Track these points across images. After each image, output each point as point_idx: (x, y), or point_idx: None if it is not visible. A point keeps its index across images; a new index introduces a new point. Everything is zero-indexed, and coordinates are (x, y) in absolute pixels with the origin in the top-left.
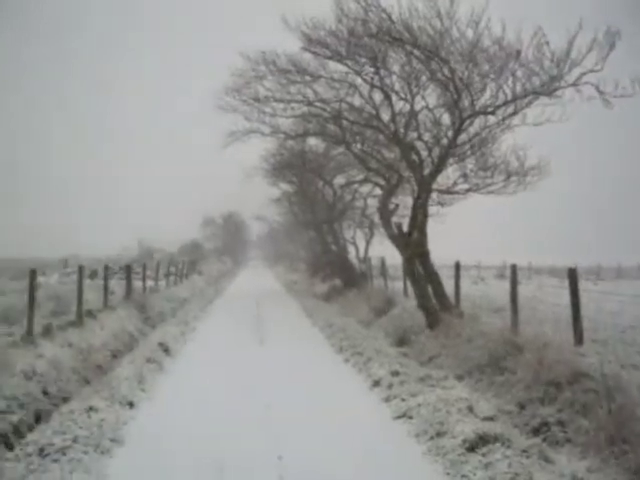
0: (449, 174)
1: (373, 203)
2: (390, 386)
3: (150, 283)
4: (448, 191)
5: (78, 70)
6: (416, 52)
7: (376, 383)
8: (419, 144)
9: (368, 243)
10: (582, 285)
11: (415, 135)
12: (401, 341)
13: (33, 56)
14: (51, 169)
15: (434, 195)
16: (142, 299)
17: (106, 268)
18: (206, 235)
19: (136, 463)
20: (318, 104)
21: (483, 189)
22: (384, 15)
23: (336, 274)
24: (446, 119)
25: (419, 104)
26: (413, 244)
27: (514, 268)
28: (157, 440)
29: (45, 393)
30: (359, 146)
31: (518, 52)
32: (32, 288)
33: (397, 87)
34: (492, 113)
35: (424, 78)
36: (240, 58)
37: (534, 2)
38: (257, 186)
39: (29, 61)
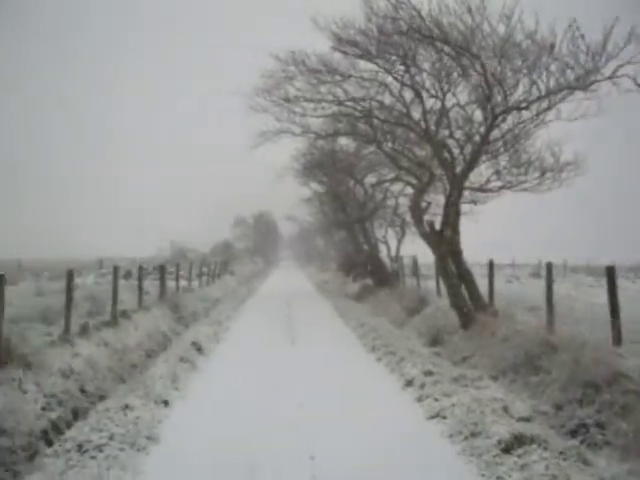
0: (482, 171)
1: (405, 202)
2: (423, 386)
3: (183, 283)
4: (481, 189)
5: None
6: (447, 49)
7: (409, 383)
8: (451, 142)
9: (400, 242)
10: (620, 283)
11: (446, 133)
12: (434, 341)
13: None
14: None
15: (466, 193)
16: (175, 299)
17: (140, 269)
18: (237, 235)
19: (171, 461)
20: (348, 103)
21: (517, 186)
22: (414, 12)
23: (367, 273)
24: (478, 116)
25: (450, 101)
26: (446, 242)
27: (549, 266)
28: (191, 439)
29: (82, 391)
30: (390, 145)
31: (552, 46)
32: (69, 289)
33: (428, 84)
34: (526, 108)
35: (455, 75)
36: (270, 59)
37: None
38: (288, 186)
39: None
